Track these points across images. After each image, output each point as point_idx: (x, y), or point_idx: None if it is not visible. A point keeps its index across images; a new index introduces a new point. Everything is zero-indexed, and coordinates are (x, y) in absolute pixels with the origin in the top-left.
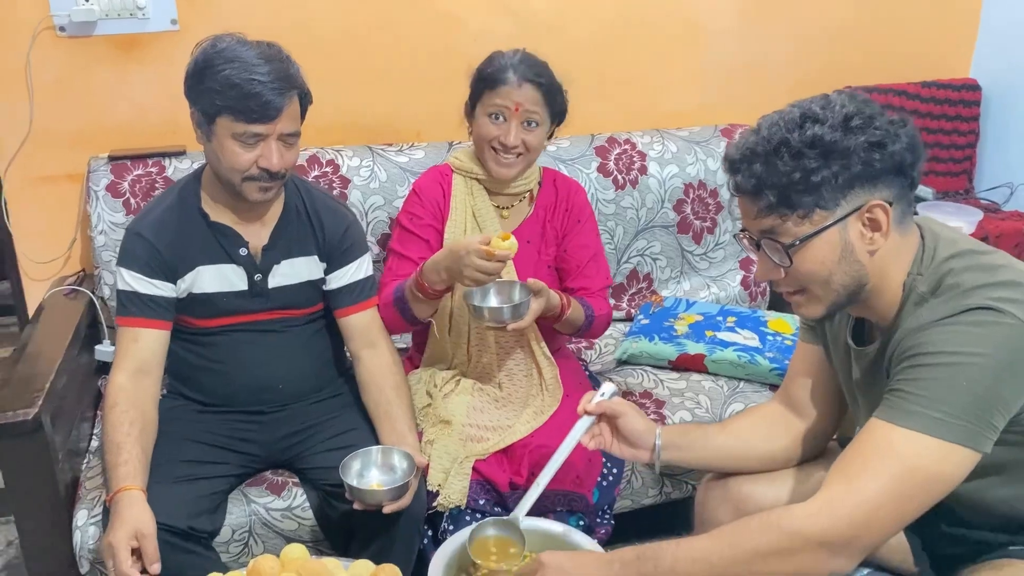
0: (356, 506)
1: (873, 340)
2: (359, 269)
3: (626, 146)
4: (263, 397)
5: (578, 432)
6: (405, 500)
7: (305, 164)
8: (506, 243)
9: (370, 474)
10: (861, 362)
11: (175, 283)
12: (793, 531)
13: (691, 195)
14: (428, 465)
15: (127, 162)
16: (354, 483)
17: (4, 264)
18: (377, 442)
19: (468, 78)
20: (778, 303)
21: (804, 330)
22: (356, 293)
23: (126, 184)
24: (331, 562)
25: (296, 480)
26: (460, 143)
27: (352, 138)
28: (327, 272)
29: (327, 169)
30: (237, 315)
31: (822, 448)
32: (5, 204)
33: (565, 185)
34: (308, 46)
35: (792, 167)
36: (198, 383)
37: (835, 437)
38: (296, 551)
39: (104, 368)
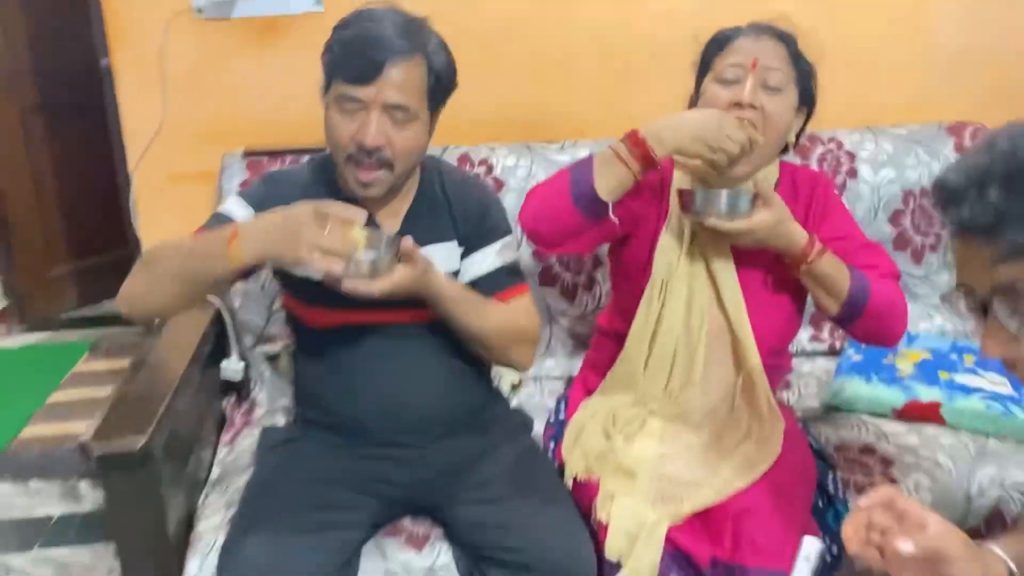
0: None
1: None
2: (501, 253)
3: (831, 145)
4: (398, 422)
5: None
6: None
7: (456, 163)
8: None
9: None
10: None
11: None
12: None
13: (911, 204)
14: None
15: (263, 159)
16: None
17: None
18: (537, 493)
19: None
20: None
21: None
22: (498, 281)
23: None
24: None
25: (440, 533)
26: None
27: (508, 134)
28: (463, 257)
29: (479, 169)
30: (357, 310)
31: None
32: (134, 205)
33: (805, 179)
34: (465, 31)
35: None
36: (325, 401)
37: None
38: None
39: (230, 387)
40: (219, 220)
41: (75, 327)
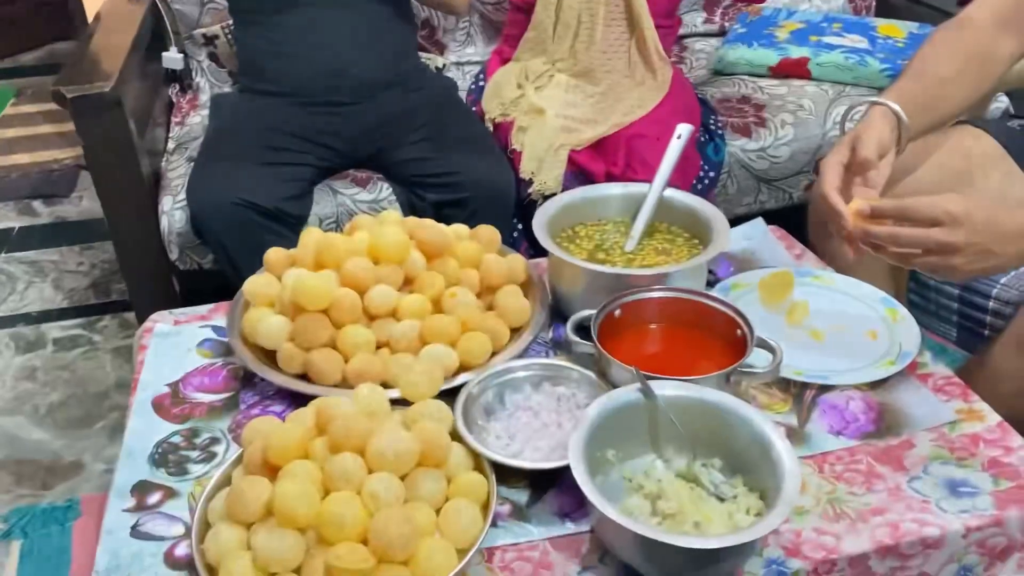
0: None
1: None
2: None
3: None
4: (338, 84)
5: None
6: None
7: None
8: None
9: None
10: None
11: None
12: None
13: None
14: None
15: None
16: None
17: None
18: (462, 131)
19: None
20: (887, 12)
21: None
22: None
23: None
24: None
25: (381, 176)
26: None
27: None
28: None
29: None
30: None
31: None
32: None
33: None
34: None
35: None
36: (269, 72)
37: None
38: (393, 215)
39: (174, 76)
40: None
41: None
